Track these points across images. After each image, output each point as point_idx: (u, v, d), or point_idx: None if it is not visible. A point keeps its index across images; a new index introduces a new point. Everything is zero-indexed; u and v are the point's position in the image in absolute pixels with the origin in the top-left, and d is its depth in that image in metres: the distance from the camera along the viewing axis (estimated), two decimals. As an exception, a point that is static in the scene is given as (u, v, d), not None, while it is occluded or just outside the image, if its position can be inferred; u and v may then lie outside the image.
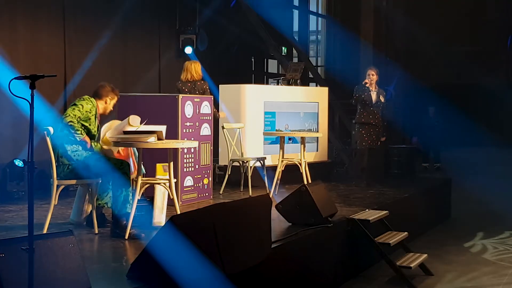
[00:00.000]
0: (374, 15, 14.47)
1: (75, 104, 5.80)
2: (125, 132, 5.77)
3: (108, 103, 6.01)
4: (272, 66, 17.19)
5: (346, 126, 14.50)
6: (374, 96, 9.57)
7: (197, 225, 4.33)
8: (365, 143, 9.48)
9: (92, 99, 5.91)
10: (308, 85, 15.50)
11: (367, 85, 9.48)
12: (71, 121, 5.67)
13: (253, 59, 15.66)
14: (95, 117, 5.90)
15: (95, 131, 5.90)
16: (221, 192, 8.24)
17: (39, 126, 5.61)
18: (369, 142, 9.48)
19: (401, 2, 16.99)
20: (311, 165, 8.58)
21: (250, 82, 14.08)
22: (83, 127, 5.77)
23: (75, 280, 3.70)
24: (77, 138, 5.70)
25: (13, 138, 8.25)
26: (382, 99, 9.58)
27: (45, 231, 5.38)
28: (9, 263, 3.38)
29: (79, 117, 5.72)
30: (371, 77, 9.52)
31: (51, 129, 5.49)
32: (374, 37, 14.38)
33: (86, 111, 5.77)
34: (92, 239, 5.52)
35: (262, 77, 16.16)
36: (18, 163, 7.99)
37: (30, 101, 3.30)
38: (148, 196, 6.11)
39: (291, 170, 8.51)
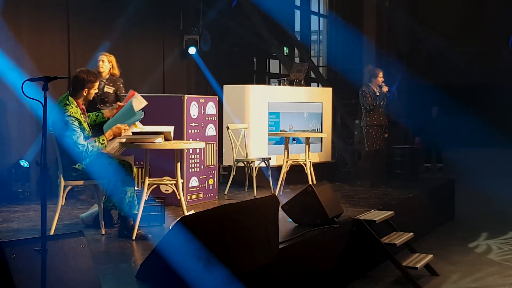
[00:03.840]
0: (377, 15, 14.46)
1: (73, 126, 5.48)
2: (133, 133, 5.78)
3: (87, 92, 5.68)
4: (274, 66, 17.19)
5: (348, 126, 14.51)
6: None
7: (206, 225, 4.33)
8: (375, 144, 9.47)
9: (71, 100, 5.60)
10: (310, 85, 15.52)
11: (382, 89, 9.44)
12: (86, 149, 5.51)
13: (255, 59, 15.66)
14: (82, 113, 5.66)
15: (88, 131, 5.69)
16: (226, 193, 8.26)
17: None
18: (378, 143, 9.48)
19: (403, 1, 16.99)
20: (315, 166, 8.59)
21: (252, 82, 14.11)
22: (81, 129, 5.57)
23: (86, 281, 3.71)
24: (102, 148, 5.64)
25: (19, 139, 8.26)
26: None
27: (52, 232, 5.40)
28: (21, 264, 3.39)
29: (79, 133, 5.51)
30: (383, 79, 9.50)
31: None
32: (376, 37, 14.38)
33: (76, 117, 5.53)
34: (100, 239, 5.53)
35: (264, 77, 16.17)
36: (24, 163, 8.00)
37: (43, 103, 3.29)
38: (156, 197, 6.13)
39: (296, 171, 8.52)
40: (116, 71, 7.72)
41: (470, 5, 19.27)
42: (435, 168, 15.36)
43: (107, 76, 7.70)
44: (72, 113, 5.53)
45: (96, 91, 5.84)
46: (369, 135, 9.50)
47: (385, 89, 9.43)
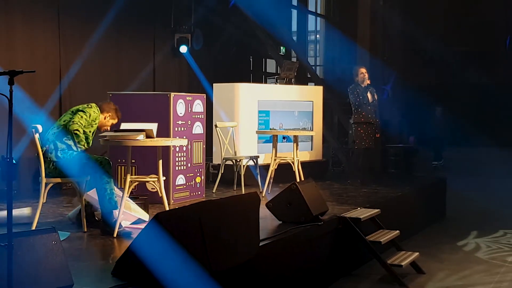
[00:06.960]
0: (371, 15, 14.40)
1: (83, 112, 5.76)
2: (115, 130, 5.77)
3: (106, 119, 6.01)
4: (271, 65, 17.17)
5: (344, 126, 14.47)
6: (369, 94, 9.57)
7: (183, 222, 4.31)
8: (364, 142, 9.47)
9: (98, 109, 5.93)
10: (307, 85, 15.49)
11: (364, 84, 9.48)
12: (77, 130, 5.64)
13: (251, 59, 15.63)
14: (96, 127, 5.93)
15: (90, 140, 5.89)
16: (214, 191, 8.23)
17: (31, 124, 5.60)
18: (367, 141, 9.48)
19: (398, 2, 16.95)
20: (305, 164, 8.57)
21: (248, 82, 14.06)
22: (84, 134, 5.77)
23: (58, 278, 3.69)
24: (76, 149, 5.67)
25: (4, 136, 8.22)
26: (375, 96, 9.61)
27: (33, 228, 5.37)
28: (-12, 260, 3.37)
29: (84, 125, 5.74)
30: (366, 75, 9.51)
31: (39, 127, 5.48)
32: (371, 36, 14.29)
33: (92, 120, 5.80)
34: (81, 237, 5.51)
35: (260, 77, 16.14)
36: (11, 161, 7.96)
37: (8, 97, 3.27)
38: (140, 194, 6.11)
39: (285, 169, 8.49)
40: None
41: (466, 5, 19.25)
42: (440, 166, 15.37)
43: None
44: (91, 113, 5.80)
45: (107, 128, 6.03)
46: (357, 133, 9.51)
47: (367, 82, 9.47)
